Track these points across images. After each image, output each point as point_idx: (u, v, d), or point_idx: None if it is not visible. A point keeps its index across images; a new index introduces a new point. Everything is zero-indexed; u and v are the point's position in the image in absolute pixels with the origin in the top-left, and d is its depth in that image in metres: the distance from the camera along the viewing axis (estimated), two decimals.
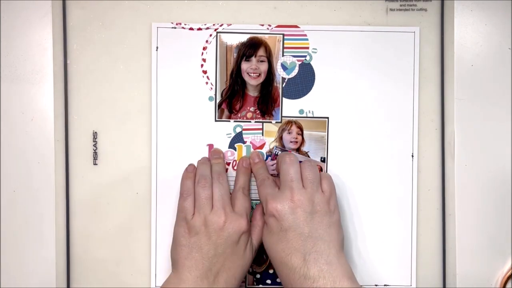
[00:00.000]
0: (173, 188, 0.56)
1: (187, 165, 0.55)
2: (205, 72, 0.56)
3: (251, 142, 0.56)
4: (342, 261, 0.48)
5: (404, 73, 0.56)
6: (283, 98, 0.56)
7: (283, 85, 0.56)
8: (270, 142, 0.56)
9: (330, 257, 0.47)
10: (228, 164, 0.56)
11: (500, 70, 0.57)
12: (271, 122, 0.56)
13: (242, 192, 0.53)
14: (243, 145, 0.56)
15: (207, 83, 0.56)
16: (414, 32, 0.56)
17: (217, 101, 0.56)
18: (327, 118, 0.56)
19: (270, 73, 0.56)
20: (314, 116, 0.56)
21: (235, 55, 0.56)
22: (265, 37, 0.56)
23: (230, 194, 0.53)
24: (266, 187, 0.52)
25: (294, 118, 0.56)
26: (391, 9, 0.56)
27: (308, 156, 0.56)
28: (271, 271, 0.57)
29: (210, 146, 0.56)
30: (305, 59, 0.56)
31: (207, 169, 0.53)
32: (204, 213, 0.49)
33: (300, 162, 0.52)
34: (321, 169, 0.56)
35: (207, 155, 0.56)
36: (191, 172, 0.54)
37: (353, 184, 0.56)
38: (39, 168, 0.56)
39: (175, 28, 0.56)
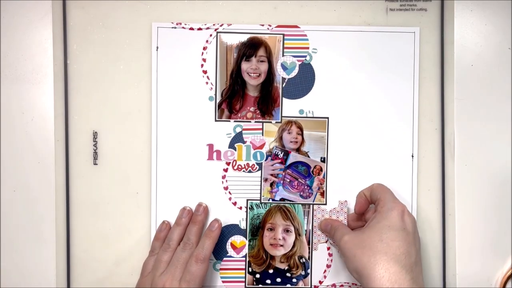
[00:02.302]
0: (173, 188, 0.56)
1: (161, 222, 0.55)
2: (205, 72, 0.56)
3: (251, 142, 0.56)
4: None
5: (404, 73, 0.56)
6: (283, 98, 0.56)
7: (283, 85, 0.56)
8: (270, 142, 0.56)
9: None
10: (228, 164, 0.56)
11: (500, 70, 0.57)
12: (271, 122, 0.56)
13: (195, 260, 0.51)
14: (243, 145, 0.56)
15: (207, 83, 0.56)
16: (414, 32, 0.56)
17: (217, 101, 0.56)
18: (327, 118, 0.56)
19: (270, 73, 0.56)
20: (314, 116, 0.56)
21: (235, 55, 0.56)
22: (265, 37, 0.56)
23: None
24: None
25: (294, 118, 0.56)
26: (391, 9, 0.56)
27: (308, 156, 0.56)
28: (271, 271, 0.57)
29: (210, 146, 0.56)
30: (305, 59, 0.56)
31: (176, 233, 0.54)
32: (155, 274, 0.51)
33: None
34: (321, 169, 0.56)
35: (207, 155, 0.56)
36: (162, 232, 0.55)
37: (353, 184, 0.56)
38: (39, 168, 0.56)
39: (175, 28, 0.56)
